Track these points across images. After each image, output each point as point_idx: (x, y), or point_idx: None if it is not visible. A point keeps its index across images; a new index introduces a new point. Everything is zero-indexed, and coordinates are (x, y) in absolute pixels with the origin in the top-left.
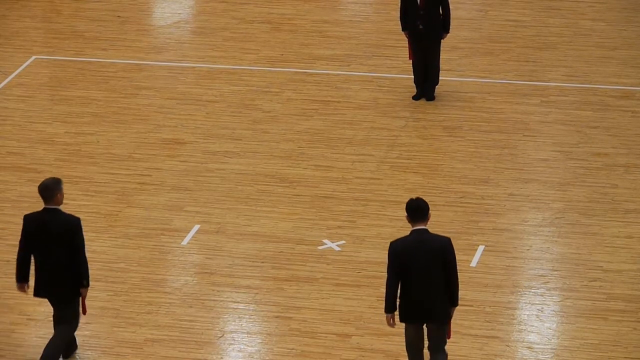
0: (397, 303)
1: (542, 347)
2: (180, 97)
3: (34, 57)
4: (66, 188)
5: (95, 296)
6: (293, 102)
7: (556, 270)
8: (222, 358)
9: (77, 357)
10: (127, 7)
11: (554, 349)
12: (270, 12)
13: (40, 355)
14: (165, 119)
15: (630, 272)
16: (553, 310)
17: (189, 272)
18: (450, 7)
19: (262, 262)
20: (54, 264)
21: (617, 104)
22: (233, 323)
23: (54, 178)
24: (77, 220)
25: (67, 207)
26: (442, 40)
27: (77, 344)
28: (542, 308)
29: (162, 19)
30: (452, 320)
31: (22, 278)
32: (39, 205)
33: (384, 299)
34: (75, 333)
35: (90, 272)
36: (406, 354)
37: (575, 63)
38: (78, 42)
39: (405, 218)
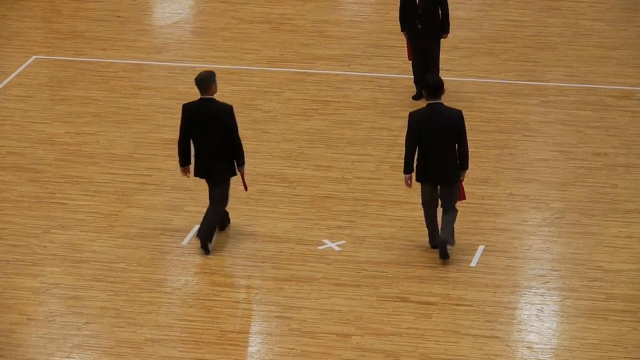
0: (415, 166)
1: (542, 347)
2: (180, 97)
3: (34, 57)
4: (66, 188)
5: (95, 296)
6: (293, 102)
7: (556, 270)
8: (222, 358)
9: (78, 357)
10: (127, 7)
11: (554, 349)
12: (270, 12)
13: (198, 232)
14: (165, 119)
15: (630, 272)
16: (553, 310)
17: (189, 272)
18: (450, 8)
19: (262, 262)
20: (211, 148)
21: (617, 104)
22: (233, 323)
23: (208, 71)
24: (230, 107)
25: (67, 207)
26: (441, 40)
27: (230, 219)
28: (542, 308)
29: (162, 19)
30: (455, 321)
31: (184, 162)
32: (39, 205)
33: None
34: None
35: (90, 271)
36: (422, 212)
37: (575, 63)
38: (78, 42)
39: (426, 96)
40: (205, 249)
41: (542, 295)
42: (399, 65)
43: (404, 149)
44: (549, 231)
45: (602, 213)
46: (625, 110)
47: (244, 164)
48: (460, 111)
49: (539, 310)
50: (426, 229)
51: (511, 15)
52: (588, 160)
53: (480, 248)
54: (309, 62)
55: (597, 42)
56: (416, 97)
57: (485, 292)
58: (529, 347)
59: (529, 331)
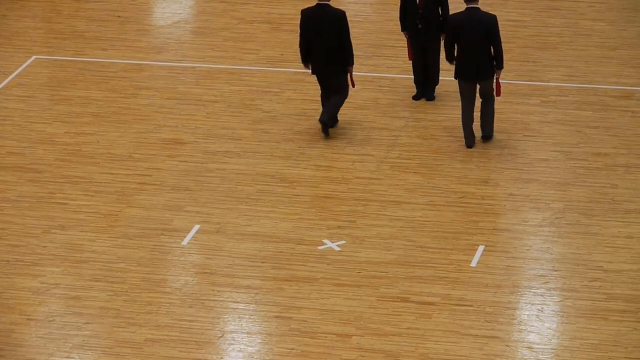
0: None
1: (542, 347)
2: (180, 97)
3: (34, 57)
4: (66, 188)
5: (95, 296)
6: (293, 102)
7: (556, 270)
8: (222, 358)
9: (78, 357)
10: (127, 7)
11: (554, 349)
12: (270, 12)
13: (321, 116)
14: (165, 119)
15: (630, 272)
16: (553, 310)
17: (189, 272)
18: (450, 7)
19: (262, 262)
20: (326, 48)
21: (617, 104)
22: (233, 323)
23: None
24: (343, 12)
25: (67, 206)
26: (442, 40)
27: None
28: (542, 308)
29: (162, 19)
30: (455, 321)
31: (305, 59)
32: (39, 205)
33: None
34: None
35: (90, 271)
36: (460, 106)
37: (575, 63)
38: (78, 42)
39: None
40: (326, 132)
41: (542, 296)
42: (399, 65)
43: (443, 44)
44: (549, 231)
45: (602, 213)
46: (625, 110)
47: (352, 64)
48: (495, 16)
49: (539, 310)
50: (462, 127)
51: (511, 15)
52: (588, 160)
53: (480, 248)
54: None
55: (597, 42)
56: (416, 97)
57: (485, 292)
58: (529, 348)
59: (529, 331)
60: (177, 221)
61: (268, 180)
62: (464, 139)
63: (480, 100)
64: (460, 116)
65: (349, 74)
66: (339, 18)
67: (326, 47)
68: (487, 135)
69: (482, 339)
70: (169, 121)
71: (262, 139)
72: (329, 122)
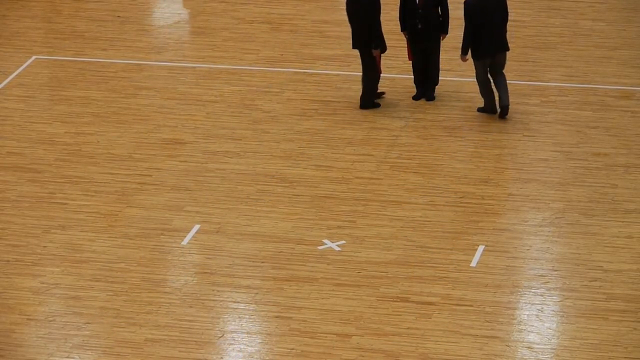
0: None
1: (542, 347)
2: (180, 97)
3: (34, 57)
4: (66, 188)
5: (95, 296)
6: (293, 102)
7: (556, 270)
8: (222, 358)
9: (78, 357)
10: (127, 7)
11: (554, 349)
12: (270, 12)
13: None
14: (165, 119)
15: (630, 272)
16: (553, 310)
17: (189, 272)
18: (450, 8)
19: (262, 262)
20: (356, 28)
21: (617, 104)
22: (233, 323)
23: None
24: None
25: (67, 207)
26: (441, 41)
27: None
28: (542, 308)
29: (162, 19)
30: (455, 321)
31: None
32: (39, 205)
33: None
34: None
35: (90, 271)
36: (478, 87)
37: (575, 63)
38: (78, 42)
39: None
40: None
41: (542, 295)
42: (399, 65)
43: (463, 32)
44: (549, 231)
45: (602, 213)
46: (625, 110)
47: (377, 47)
48: None
49: (539, 310)
50: (482, 97)
51: (511, 15)
52: (588, 160)
53: (480, 248)
54: (309, 62)
55: (597, 42)
56: (416, 97)
57: (485, 292)
58: (529, 347)
59: (529, 331)
60: (177, 221)
61: (268, 180)
62: (484, 102)
63: (491, 78)
64: (478, 84)
65: (377, 57)
66: (373, 1)
67: (356, 27)
68: (506, 105)
69: (482, 339)
70: (169, 121)
71: (262, 139)
72: (368, 105)
